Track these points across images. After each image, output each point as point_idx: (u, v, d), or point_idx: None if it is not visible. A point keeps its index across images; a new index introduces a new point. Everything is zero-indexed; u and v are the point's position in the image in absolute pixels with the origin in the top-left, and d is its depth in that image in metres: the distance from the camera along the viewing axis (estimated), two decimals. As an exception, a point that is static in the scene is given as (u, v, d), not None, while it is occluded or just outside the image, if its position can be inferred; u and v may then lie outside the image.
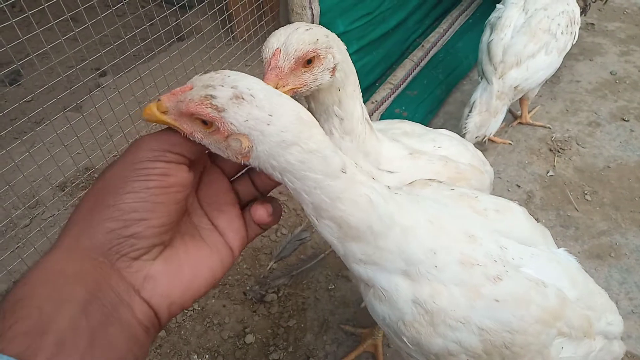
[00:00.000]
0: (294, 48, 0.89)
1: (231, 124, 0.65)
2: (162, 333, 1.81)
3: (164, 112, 0.68)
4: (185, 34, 2.38)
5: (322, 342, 1.77)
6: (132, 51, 1.79)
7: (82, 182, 2.09)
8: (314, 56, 0.93)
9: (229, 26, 2.26)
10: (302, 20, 2.00)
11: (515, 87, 2.09)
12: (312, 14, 2.01)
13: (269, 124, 0.66)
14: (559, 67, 2.92)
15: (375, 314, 0.95)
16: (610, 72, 2.86)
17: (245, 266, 2.04)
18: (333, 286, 1.94)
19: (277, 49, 0.91)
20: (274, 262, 2.04)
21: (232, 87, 0.66)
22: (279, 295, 1.92)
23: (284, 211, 2.25)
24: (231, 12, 2.28)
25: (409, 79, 2.73)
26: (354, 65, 2.56)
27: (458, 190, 1.04)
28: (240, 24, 2.33)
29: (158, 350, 1.77)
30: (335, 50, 0.98)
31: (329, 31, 0.99)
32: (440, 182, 1.08)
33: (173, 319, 1.86)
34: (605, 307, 1.06)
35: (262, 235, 2.15)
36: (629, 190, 2.21)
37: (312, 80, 0.96)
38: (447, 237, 0.86)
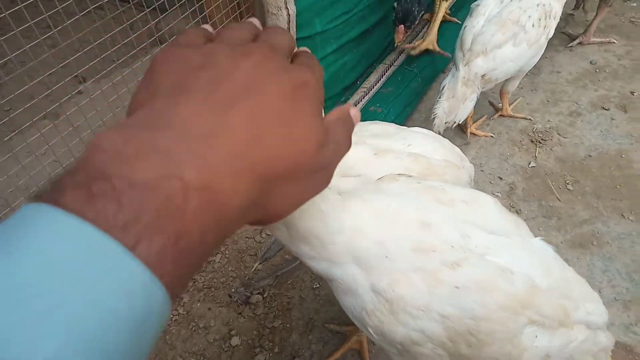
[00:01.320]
0: None
1: None
2: (148, 339, 1.81)
3: None
4: (160, 38, 2.37)
5: (308, 342, 1.77)
6: (104, 57, 1.78)
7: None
8: None
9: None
10: (277, 21, 2.00)
11: (483, 76, 2.10)
12: (288, 14, 2.00)
13: None
14: (540, 58, 2.95)
15: (345, 308, 0.95)
16: (590, 62, 2.87)
17: (230, 268, 2.04)
18: (318, 285, 1.94)
19: None
20: (259, 263, 2.04)
21: None
22: (264, 296, 1.92)
23: (269, 212, 2.25)
24: (205, 14, 2.27)
25: (383, 79, 2.74)
26: (332, 65, 2.56)
27: (426, 183, 1.03)
28: (216, 26, 2.33)
29: (143, 356, 1.76)
30: None
31: None
32: (409, 176, 1.09)
33: (158, 324, 1.86)
34: (584, 296, 1.04)
35: (246, 237, 2.15)
36: (610, 179, 2.22)
37: None
38: (399, 228, 0.86)
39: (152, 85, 0.41)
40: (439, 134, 1.91)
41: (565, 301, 0.98)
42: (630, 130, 2.45)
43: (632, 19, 3.13)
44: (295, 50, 0.53)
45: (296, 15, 2.04)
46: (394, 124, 1.48)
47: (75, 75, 2.50)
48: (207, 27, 0.50)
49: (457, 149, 1.52)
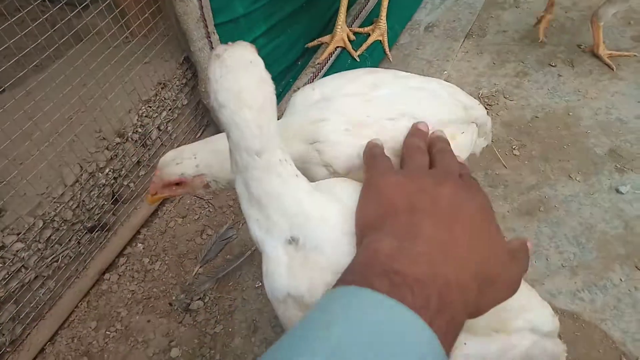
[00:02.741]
0: (161, 176, 1.09)
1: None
2: (84, 359, 1.72)
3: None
4: (75, 37, 2.20)
5: (251, 345, 1.70)
6: (10, 63, 1.62)
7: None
8: (181, 181, 1.08)
9: (122, 22, 2.09)
10: (187, 7, 1.84)
11: None
12: (199, 0, 1.85)
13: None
14: (485, 18, 2.83)
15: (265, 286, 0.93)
16: (537, 17, 2.76)
17: (170, 275, 1.95)
18: (260, 283, 1.86)
19: (157, 170, 1.10)
20: (200, 267, 1.95)
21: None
22: (205, 301, 1.84)
23: (209, 210, 2.15)
24: (122, 7, 2.10)
25: (332, 57, 2.59)
26: (264, 48, 2.38)
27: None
28: (136, 19, 2.16)
29: (81, 379, 1.68)
30: (206, 176, 1.10)
31: (193, 160, 1.09)
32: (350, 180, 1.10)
33: (95, 342, 1.77)
34: (524, 307, 0.98)
35: (187, 240, 2.05)
36: (557, 139, 2.15)
37: (184, 192, 1.12)
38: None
39: (385, 204, 0.61)
40: None
41: (502, 313, 0.92)
42: (577, 85, 2.37)
43: None
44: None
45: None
46: (392, 72, 1.38)
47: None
48: (379, 148, 0.90)
49: (466, 99, 1.38)
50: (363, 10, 2.86)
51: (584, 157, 2.06)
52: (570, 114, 2.24)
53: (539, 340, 1.03)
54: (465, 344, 0.91)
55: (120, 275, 1.96)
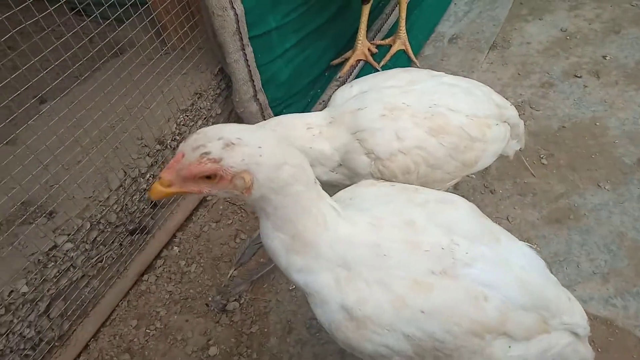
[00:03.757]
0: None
1: (231, 167, 0.80)
2: (126, 356, 1.79)
3: (169, 186, 0.83)
4: (120, 50, 2.31)
5: (286, 345, 1.75)
6: (65, 75, 1.71)
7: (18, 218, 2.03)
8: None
9: (163, 36, 2.19)
10: (224, 21, 1.93)
11: None
12: (236, 14, 1.94)
13: (260, 155, 0.81)
14: (509, 30, 2.89)
15: (319, 321, 0.98)
16: (561, 29, 2.81)
17: (206, 277, 2.02)
18: (294, 286, 1.91)
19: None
20: (234, 269, 2.01)
21: (219, 139, 0.79)
22: (241, 302, 1.90)
23: (242, 215, 2.22)
24: (164, 22, 2.20)
25: (354, 72, 2.66)
26: (294, 60, 2.44)
27: (399, 185, 1.11)
28: (175, 33, 2.25)
29: (122, 375, 1.75)
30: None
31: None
32: (382, 181, 1.17)
33: (136, 340, 1.83)
34: (563, 309, 1.04)
35: (221, 244, 2.12)
36: (585, 149, 2.18)
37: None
38: (389, 230, 0.92)
39: None
40: None
41: (542, 312, 0.97)
42: (604, 96, 2.39)
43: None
44: None
45: (245, 13, 1.97)
46: (426, 71, 1.47)
47: (36, 97, 2.45)
48: None
49: (498, 99, 1.48)
50: (385, 24, 2.94)
51: (612, 166, 2.08)
52: (597, 124, 2.27)
53: (573, 342, 1.07)
54: (510, 347, 0.96)
55: (157, 277, 2.03)
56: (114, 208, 1.76)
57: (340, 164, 1.40)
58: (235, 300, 1.90)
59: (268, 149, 0.82)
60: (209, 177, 0.81)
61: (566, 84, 2.50)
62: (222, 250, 2.10)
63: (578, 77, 2.52)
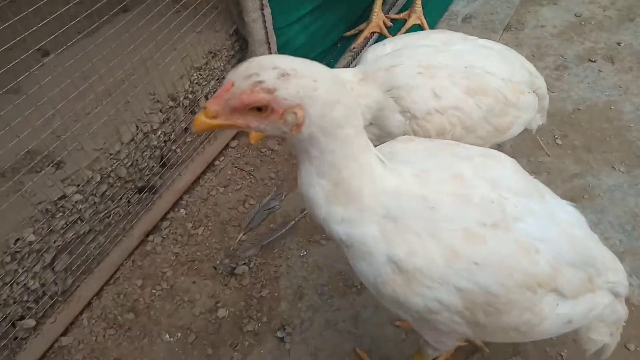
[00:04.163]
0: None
1: (284, 99, 0.74)
2: (130, 315, 1.73)
3: (214, 117, 0.76)
4: (130, 4, 2.21)
5: (297, 310, 1.71)
6: (72, 24, 1.63)
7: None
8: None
9: None
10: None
11: None
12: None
13: (315, 89, 0.76)
14: (523, 13, 2.87)
15: (359, 273, 0.94)
16: (575, 14, 2.79)
17: (214, 240, 1.96)
18: (305, 252, 1.87)
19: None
20: (243, 234, 1.97)
21: (274, 68, 0.74)
22: (250, 266, 1.85)
23: (251, 182, 2.17)
24: None
25: (368, 45, 2.60)
26: (309, 27, 2.38)
27: (438, 141, 1.07)
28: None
29: (127, 334, 1.69)
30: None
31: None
32: (419, 138, 1.10)
33: (141, 299, 1.78)
34: (607, 266, 1.02)
35: (229, 208, 2.07)
36: (600, 131, 2.18)
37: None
38: (437, 182, 0.88)
39: None
40: None
41: (589, 269, 0.95)
42: (618, 81, 2.39)
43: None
44: None
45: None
46: (459, 33, 1.44)
47: (38, 49, 2.33)
48: None
49: (531, 67, 1.46)
50: (398, -1, 2.89)
51: (627, 149, 2.08)
52: (612, 107, 2.27)
53: (613, 301, 1.05)
54: (557, 304, 0.94)
55: (164, 238, 1.97)
56: (125, 162, 1.70)
57: (372, 123, 1.35)
58: (244, 264, 1.86)
59: (324, 83, 0.77)
60: (259, 110, 0.75)
61: (580, 68, 2.49)
62: (230, 214, 2.05)
63: (592, 61, 2.51)
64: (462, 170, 0.91)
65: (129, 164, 1.74)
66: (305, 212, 1.99)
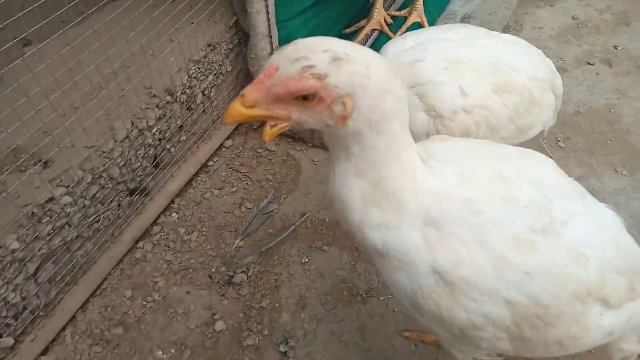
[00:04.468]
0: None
1: (335, 87, 0.66)
2: (119, 330, 1.60)
3: (252, 106, 0.68)
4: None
5: (300, 321, 1.62)
6: (58, 14, 1.48)
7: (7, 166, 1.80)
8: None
9: None
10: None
11: None
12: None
13: (368, 77, 0.68)
14: (521, 14, 2.84)
15: (394, 286, 0.86)
16: (572, 17, 2.79)
17: (208, 247, 1.85)
18: (307, 259, 1.78)
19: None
20: (241, 240, 1.86)
21: (324, 51, 0.66)
22: (249, 274, 1.75)
23: (247, 184, 2.06)
24: None
25: (369, 42, 2.53)
26: (310, 21, 2.29)
27: (474, 139, 1.01)
28: None
29: (116, 351, 1.56)
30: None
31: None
32: (454, 137, 1.04)
33: (131, 312, 1.65)
34: None
35: (224, 211, 1.96)
36: (601, 134, 2.16)
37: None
38: (482, 183, 0.82)
39: None
40: None
41: (633, 275, 0.90)
42: (616, 84, 2.38)
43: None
44: None
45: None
46: (481, 28, 1.38)
47: (20, 38, 2.15)
48: None
49: (551, 65, 1.41)
50: (400, -4, 2.83)
51: (629, 152, 2.07)
52: (612, 111, 2.26)
53: None
54: (602, 315, 0.88)
55: (154, 244, 1.84)
56: (118, 162, 1.57)
57: None
58: (242, 272, 1.75)
59: (376, 71, 0.69)
60: (305, 99, 0.67)
61: (579, 71, 2.47)
62: (226, 219, 1.94)
63: (591, 64, 2.50)
64: (505, 170, 0.85)
65: (122, 163, 1.61)
66: (306, 216, 1.90)
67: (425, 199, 0.79)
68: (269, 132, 0.73)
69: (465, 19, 2.84)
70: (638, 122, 2.19)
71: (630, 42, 2.59)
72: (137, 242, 1.82)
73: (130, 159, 1.63)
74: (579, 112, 2.27)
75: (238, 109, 0.68)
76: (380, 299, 1.65)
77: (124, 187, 1.65)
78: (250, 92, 0.67)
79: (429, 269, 0.78)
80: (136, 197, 1.75)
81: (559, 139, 2.14)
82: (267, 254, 1.81)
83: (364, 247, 0.85)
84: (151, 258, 1.80)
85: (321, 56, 0.65)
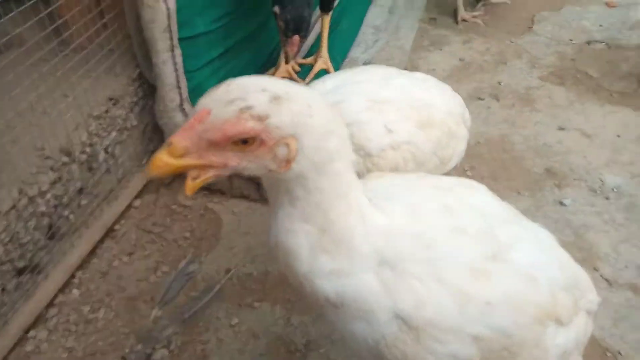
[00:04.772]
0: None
1: (278, 128, 0.62)
2: None
3: (181, 156, 0.62)
4: (4, 46, 1.84)
5: (236, 392, 1.46)
6: None
7: None
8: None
9: (65, 35, 1.77)
10: (155, 15, 1.68)
11: None
12: (167, 8, 1.71)
13: (311, 116, 0.65)
14: (416, 59, 3.08)
15: (352, 338, 0.78)
16: (459, 59, 3.08)
17: (119, 324, 1.62)
18: (237, 320, 1.63)
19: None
20: (158, 309, 1.66)
21: (262, 91, 0.62)
22: (171, 348, 1.55)
23: (162, 245, 1.88)
24: (65, 19, 1.80)
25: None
26: (219, 71, 2.27)
27: (409, 174, 1.01)
28: (80, 33, 1.84)
29: None
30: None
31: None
32: (389, 173, 1.04)
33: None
34: (588, 286, 1.01)
35: (137, 279, 1.75)
36: (500, 162, 2.34)
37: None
38: (429, 216, 0.80)
39: None
40: None
41: (575, 291, 0.92)
42: (506, 116, 2.64)
43: (483, 20, 3.45)
44: None
45: (176, 11, 1.75)
46: (393, 68, 1.41)
47: None
48: None
49: (459, 97, 1.46)
50: (304, 45, 2.92)
51: (527, 176, 2.26)
52: (506, 140, 2.48)
53: (588, 320, 1.04)
54: (555, 334, 0.89)
55: (50, 331, 1.57)
56: (1, 238, 1.33)
57: None
58: (163, 347, 1.55)
59: (319, 110, 0.66)
60: (244, 143, 0.62)
61: (473, 105, 2.70)
62: (139, 287, 1.73)
63: (481, 99, 2.75)
64: (448, 201, 0.84)
65: (7, 239, 1.37)
66: (231, 273, 1.77)
67: (375, 239, 0.76)
68: (190, 185, 0.66)
69: (367, 64, 3.01)
70: (528, 148, 2.43)
71: (510, 78, 2.92)
72: (27, 331, 1.53)
73: (17, 232, 1.39)
74: (479, 142, 2.45)
75: (165, 160, 0.61)
76: (321, 351, 1.55)
77: (10, 267, 1.40)
78: (179, 139, 0.60)
79: (391, 315, 0.73)
80: (26, 277, 1.49)
81: (466, 168, 2.29)
82: (190, 321, 1.62)
83: (313, 300, 0.77)
84: (46, 348, 1.52)
85: (259, 96, 0.61)
